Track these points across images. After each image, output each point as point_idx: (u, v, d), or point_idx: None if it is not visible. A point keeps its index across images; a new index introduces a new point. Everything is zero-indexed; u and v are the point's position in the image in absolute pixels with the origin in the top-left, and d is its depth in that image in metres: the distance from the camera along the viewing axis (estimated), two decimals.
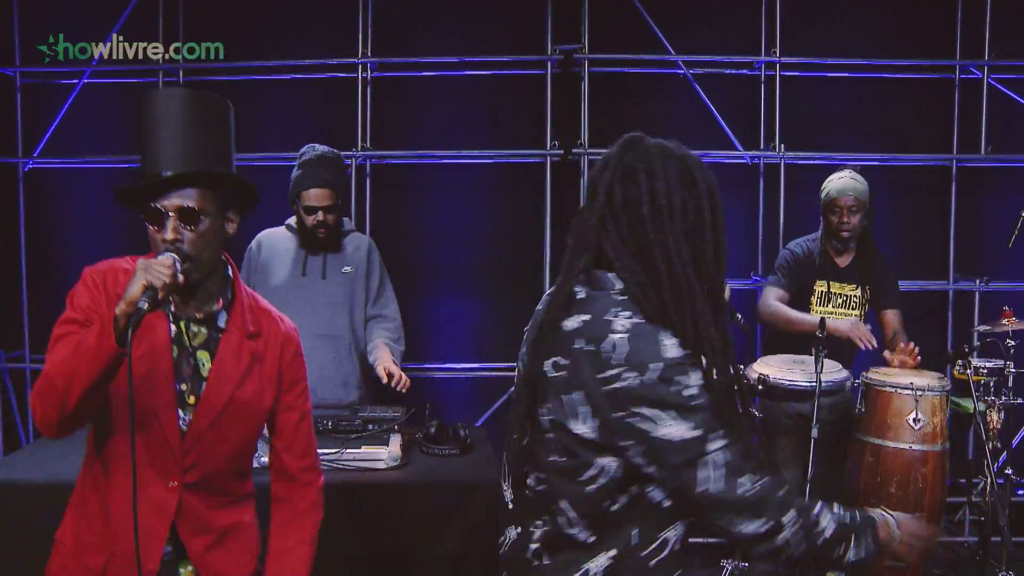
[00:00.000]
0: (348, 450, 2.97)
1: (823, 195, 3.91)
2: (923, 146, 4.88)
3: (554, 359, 1.64)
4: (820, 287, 3.90)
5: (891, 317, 3.89)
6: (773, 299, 3.86)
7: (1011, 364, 3.47)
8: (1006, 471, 3.50)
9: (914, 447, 3.24)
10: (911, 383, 3.28)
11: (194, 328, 1.91)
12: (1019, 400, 3.50)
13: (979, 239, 4.92)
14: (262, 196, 1.98)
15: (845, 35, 4.85)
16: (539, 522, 1.69)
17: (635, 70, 4.86)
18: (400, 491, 2.87)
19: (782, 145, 4.74)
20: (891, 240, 4.92)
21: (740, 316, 3.26)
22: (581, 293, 1.67)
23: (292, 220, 3.64)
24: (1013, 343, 3.52)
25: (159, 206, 1.79)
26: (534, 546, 1.70)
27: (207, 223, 1.82)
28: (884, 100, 4.90)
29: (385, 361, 3.42)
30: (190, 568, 1.94)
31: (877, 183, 4.89)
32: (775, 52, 4.73)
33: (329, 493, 2.72)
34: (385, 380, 3.34)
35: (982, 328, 3.65)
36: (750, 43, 4.81)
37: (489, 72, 4.81)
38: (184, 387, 1.88)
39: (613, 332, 1.58)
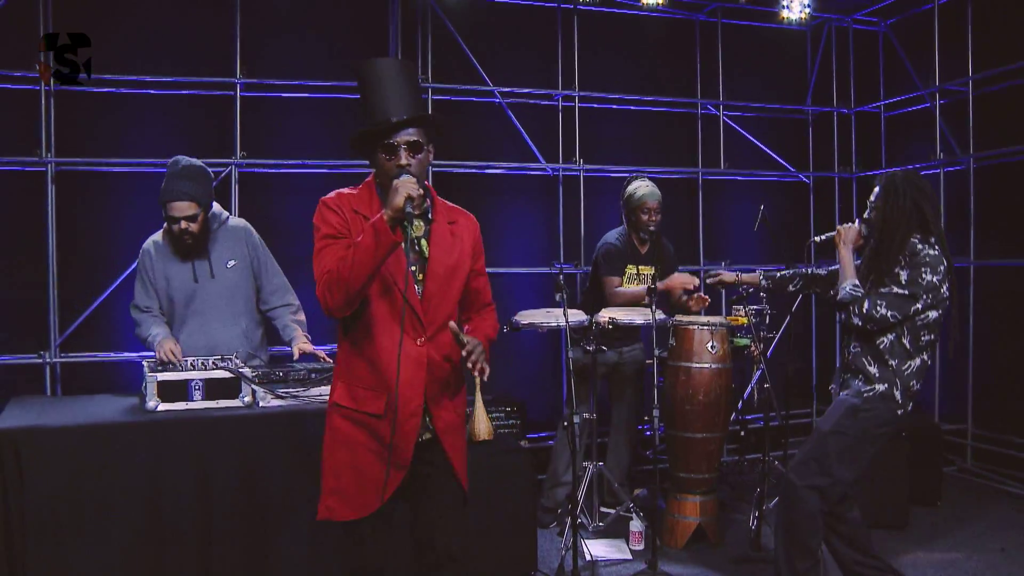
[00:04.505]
0: (309, 389, 3.69)
1: (633, 197, 4.99)
2: (678, 161, 6.42)
3: None
4: (630, 270, 5.06)
5: None
6: (614, 287, 4.97)
7: (767, 307, 4.90)
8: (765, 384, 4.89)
9: (712, 366, 4.55)
10: (708, 321, 4.61)
11: (416, 223, 2.53)
12: (773, 333, 4.94)
13: (720, 232, 6.52)
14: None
15: (624, 75, 6.27)
16: None
17: (463, 98, 5.88)
18: None
19: (581, 160, 6.02)
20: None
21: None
22: None
23: None
24: (765, 295, 4.96)
25: (393, 141, 2.49)
26: None
27: (424, 152, 2.56)
28: (651, 126, 6.38)
29: (300, 342, 4.11)
30: (431, 418, 2.65)
31: None
32: (573, 86, 6.01)
33: (297, 420, 3.51)
34: (296, 357, 4.06)
35: (745, 285, 5.06)
36: (551, 78, 6.05)
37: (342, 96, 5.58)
38: (414, 268, 2.59)
39: None
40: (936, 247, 3.50)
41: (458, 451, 2.72)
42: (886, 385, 3.49)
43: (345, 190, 2.64)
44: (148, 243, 4.09)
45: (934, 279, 3.43)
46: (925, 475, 5.16)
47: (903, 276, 3.45)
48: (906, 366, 3.49)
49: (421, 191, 2.43)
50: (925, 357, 3.54)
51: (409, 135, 2.51)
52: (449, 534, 2.70)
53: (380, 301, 2.54)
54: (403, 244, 2.48)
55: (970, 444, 5.99)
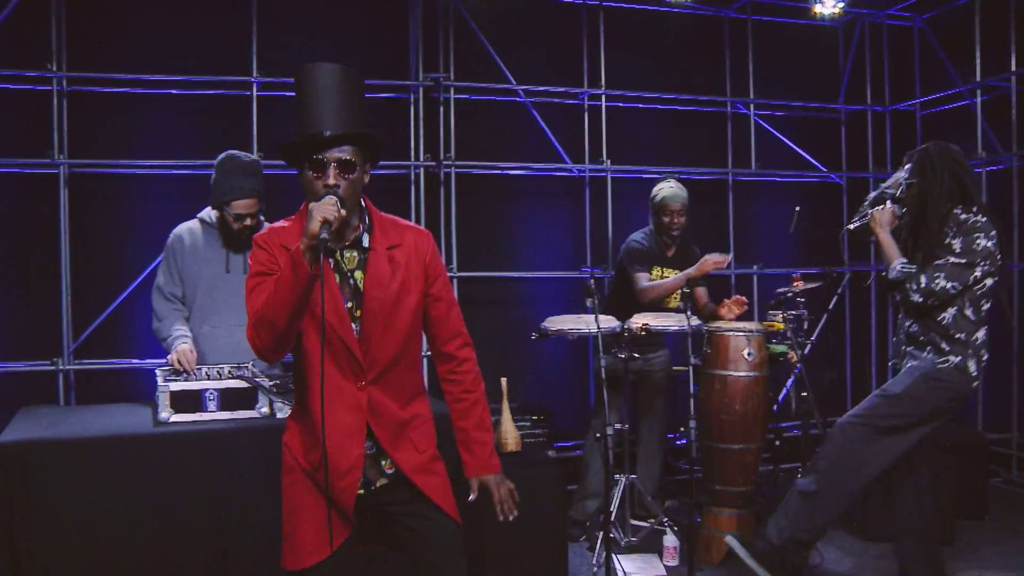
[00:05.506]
0: None
1: (655, 199, 4.78)
2: (707, 162, 6.21)
3: None
4: (656, 273, 4.83)
5: (700, 291, 4.96)
6: (646, 282, 4.71)
7: (805, 312, 4.72)
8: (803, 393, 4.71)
9: (749, 374, 4.34)
10: (744, 327, 4.41)
11: (347, 254, 2.31)
12: (811, 340, 4.75)
13: (751, 234, 6.31)
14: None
15: (651, 73, 6.08)
16: None
17: (486, 97, 5.72)
18: None
19: (608, 160, 5.83)
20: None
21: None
22: None
23: (205, 214, 3.91)
24: (802, 299, 4.77)
25: (322, 157, 2.19)
26: None
27: (357, 172, 2.24)
28: (680, 125, 6.18)
29: None
30: (389, 461, 2.37)
31: None
32: (599, 85, 5.83)
33: None
34: None
35: (782, 289, 4.88)
36: (577, 77, 5.88)
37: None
38: (351, 304, 2.31)
39: None
40: (980, 214, 3.40)
41: (435, 488, 2.42)
42: (960, 358, 3.43)
43: (279, 223, 2.37)
44: (181, 228, 3.91)
45: (989, 244, 3.35)
46: (971, 488, 4.93)
47: (956, 245, 3.38)
48: (975, 337, 3.44)
49: (341, 213, 2.13)
50: (986, 327, 3.47)
51: (343, 152, 2.22)
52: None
53: (314, 340, 2.27)
54: (335, 274, 2.28)
55: (1015, 455, 5.75)
